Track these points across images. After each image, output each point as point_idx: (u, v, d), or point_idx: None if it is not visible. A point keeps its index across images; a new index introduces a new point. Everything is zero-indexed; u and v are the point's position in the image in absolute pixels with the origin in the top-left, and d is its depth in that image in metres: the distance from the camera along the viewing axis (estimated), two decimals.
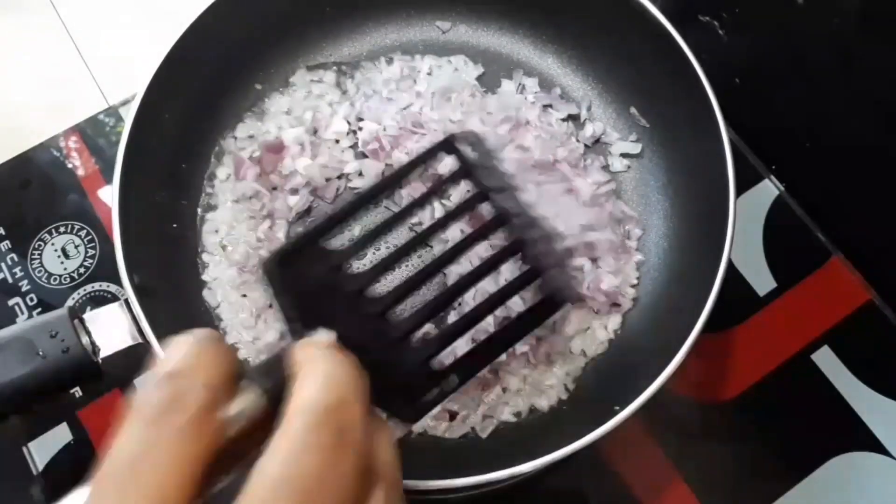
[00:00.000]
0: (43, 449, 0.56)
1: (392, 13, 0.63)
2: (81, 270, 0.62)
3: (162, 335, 0.45)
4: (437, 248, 0.53)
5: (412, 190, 0.55)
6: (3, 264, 0.63)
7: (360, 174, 0.58)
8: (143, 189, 0.53)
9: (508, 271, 0.49)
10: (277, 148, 0.58)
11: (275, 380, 0.26)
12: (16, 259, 0.63)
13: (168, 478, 0.22)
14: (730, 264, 0.48)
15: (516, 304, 0.49)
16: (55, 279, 0.62)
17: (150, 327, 0.45)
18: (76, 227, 0.64)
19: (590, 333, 0.54)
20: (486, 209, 0.35)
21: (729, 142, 0.50)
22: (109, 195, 0.63)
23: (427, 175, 0.55)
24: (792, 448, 0.57)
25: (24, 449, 0.56)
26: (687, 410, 0.58)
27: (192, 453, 0.23)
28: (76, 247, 0.63)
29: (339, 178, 0.58)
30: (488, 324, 0.48)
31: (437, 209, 0.54)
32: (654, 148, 0.59)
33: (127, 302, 0.46)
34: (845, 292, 0.61)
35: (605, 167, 0.59)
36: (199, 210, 0.58)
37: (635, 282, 0.55)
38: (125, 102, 0.70)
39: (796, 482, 0.55)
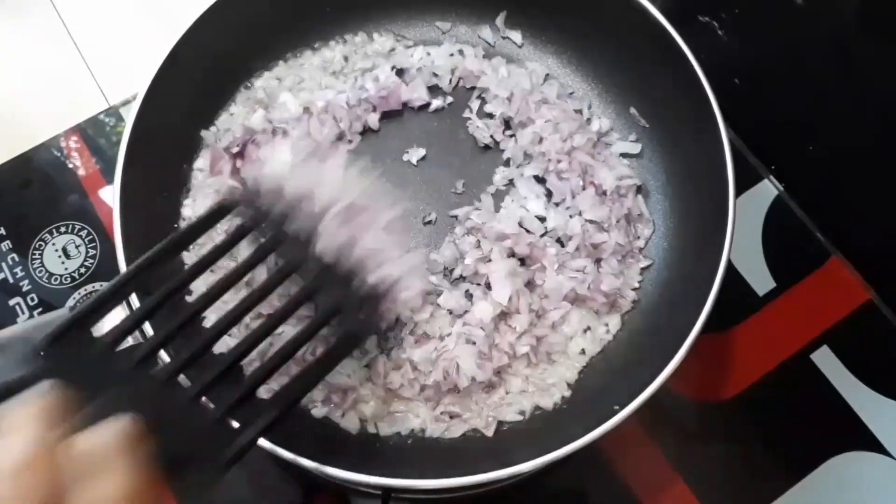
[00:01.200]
0: None
1: (392, 13, 0.64)
2: (82, 270, 0.63)
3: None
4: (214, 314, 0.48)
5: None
6: (3, 264, 0.63)
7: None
8: (143, 189, 0.53)
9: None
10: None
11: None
12: (17, 259, 0.63)
13: None
14: (729, 264, 0.48)
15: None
16: (56, 279, 0.62)
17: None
18: (77, 226, 0.64)
19: (590, 333, 0.54)
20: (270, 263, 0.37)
21: (728, 142, 0.50)
22: (110, 195, 0.63)
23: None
24: (791, 448, 0.57)
25: None
26: (687, 410, 0.58)
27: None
28: (77, 247, 0.63)
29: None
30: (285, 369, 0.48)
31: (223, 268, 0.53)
32: (653, 148, 0.59)
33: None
34: (845, 292, 0.61)
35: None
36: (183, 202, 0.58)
37: (636, 285, 0.55)
38: (125, 102, 0.70)
39: (796, 482, 0.55)
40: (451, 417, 0.51)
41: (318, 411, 0.51)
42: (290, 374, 0.40)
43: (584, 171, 0.56)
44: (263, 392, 0.35)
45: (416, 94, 0.60)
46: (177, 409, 0.32)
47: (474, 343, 0.51)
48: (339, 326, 0.36)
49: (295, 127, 0.58)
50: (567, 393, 0.52)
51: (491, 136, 0.59)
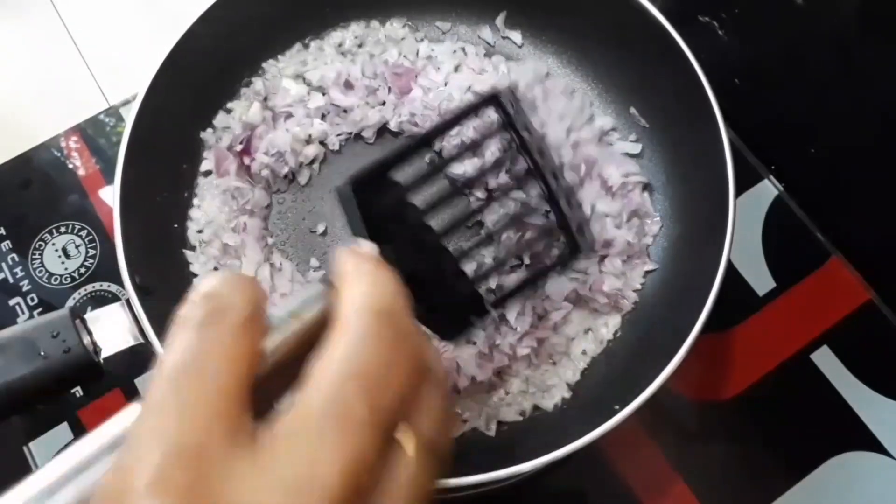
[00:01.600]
0: (43, 449, 0.56)
1: (391, 13, 0.64)
2: (82, 270, 0.63)
3: (163, 335, 0.45)
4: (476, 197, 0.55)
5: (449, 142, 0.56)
6: (3, 264, 0.63)
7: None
8: (144, 189, 0.53)
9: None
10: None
11: (320, 297, 0.27)
12: (17, 259, 0.63)
13: (224, 379, 0.22)
14: (729, 264, 0.48)
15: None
16: (56, 279, 0.62)
17: (151, 327, 0.45)
18: (77, 226, 0.64)
19: (591, 334, 0.54)
20: (521, 163, 0.37)
21: (729, 142, 0.51)
22: (110, 195, 0.63)
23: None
24: (791, 448, 0.57)
25: (25, 449, 0.57)
26: (687, 410, 0.58)
27: (245, 354, 0.23)
28: (77, 247, 0.63)
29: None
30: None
31: (474, 163, 0.55)
32: (653, 148, 0.59)
33: (128, 302, 0.46)
34: (844, 292, 0.61)
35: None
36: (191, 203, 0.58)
37: (639, 287, 0.55)
38: (125, 102, 0.70)
39: (795, 482, 0.55)
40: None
41: None
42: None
43: (590, 165, 0.56)
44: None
45: (430, 78, 0.60)
46: (434, 273, 0.34)
47: (475, 343, 0.51)
48: (572, 234, 0.37)
49: (298, 109, 0.58)
50: (567, 394, 0.52)
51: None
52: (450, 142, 0.56)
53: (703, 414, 0.58)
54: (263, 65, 0.61)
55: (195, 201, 0.57)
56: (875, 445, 0.56)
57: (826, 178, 0.63)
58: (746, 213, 0.63)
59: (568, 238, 0.37)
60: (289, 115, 0.58)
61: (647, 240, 0.56)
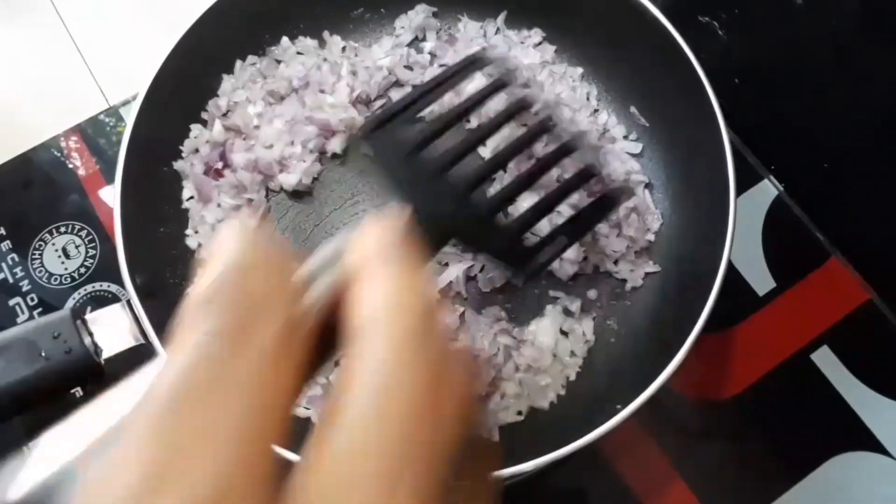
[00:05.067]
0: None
1: (389, 14, 0.64)
2: (82, 270, 0.63)
3: (164, 336, 0.45)
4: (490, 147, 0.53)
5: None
6: (3, 264, 0.63)
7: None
8: (144, 189, 0.53)
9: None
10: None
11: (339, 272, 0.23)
12: (16, 259, 0.63)
13: (251, 417, 0.17)
14: (729, 264, 0.48)
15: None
16: (56, 279, 0.62)
17: (151, 328, 0.45)
18: (77, 227, 0.64)
19: (570, 336, 0.54)
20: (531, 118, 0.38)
21: (729, 142, 0.50)
22: (110, 195, 0.63)
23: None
24: (791, 448, 0.57)
25: (25, 449, 0.56)
26: (687, 410, 0.58)
27: (289, 370, 0.19)
28: (77, 247, 0.63)
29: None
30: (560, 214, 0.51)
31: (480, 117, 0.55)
32: (653, 147, 0.59)
33: (129, 303, 0.46)
34: (844, 292, 0.61)
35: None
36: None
37: (640, 284, 0.55)
38: (126, 102, 0.70)
39: (796, 482, 0.55)
40: None
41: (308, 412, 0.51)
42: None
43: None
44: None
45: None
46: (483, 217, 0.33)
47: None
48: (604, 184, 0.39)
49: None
50: (563, 392, 0.52)
51: None
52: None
53: (703, 414, 0.58)
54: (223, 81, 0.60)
55: (188, 231, 0.56)
56: (875, 445, 0.56)
57: (826, 177, 0.63)
58: (746, 213, 0.63)
59: (605, 185, 0.37)
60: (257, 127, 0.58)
61: (650, 236, 0.56)
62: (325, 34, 0.62)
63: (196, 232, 0.56)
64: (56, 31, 0.89)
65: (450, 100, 0.53)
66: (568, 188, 0.36)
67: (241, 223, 0.21)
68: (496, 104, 0.42)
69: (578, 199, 0.50)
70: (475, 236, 0.32)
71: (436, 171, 0.32)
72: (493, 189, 0.37)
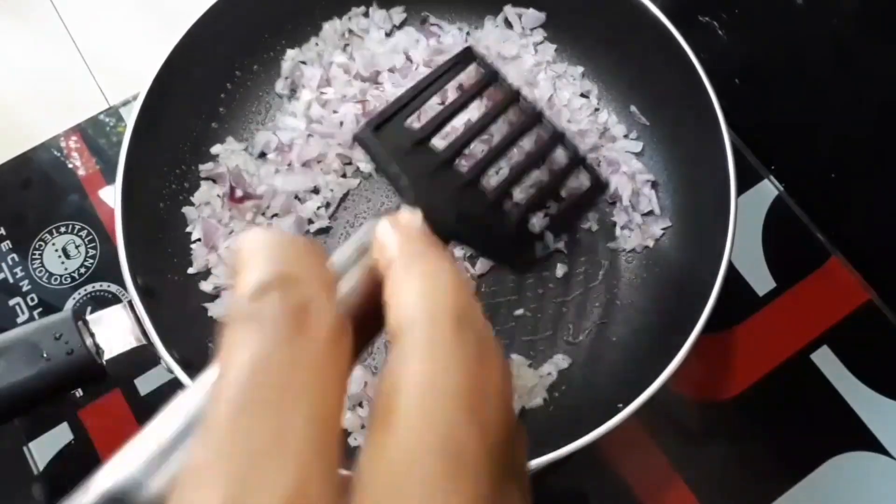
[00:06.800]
0: (43, 449, 0.56)
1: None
2: (82, 270, 0.63)
3: (165, 336, 0.45)
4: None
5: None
6: (3, 264, 0.63)
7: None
8: (144, 190, 0.53)
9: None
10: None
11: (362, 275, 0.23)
12: (16, 259, 0.63)
13: (323, 411, 0.18)
14: (729, 264, 0.48)
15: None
16: (56, 279, 0.62)
17: (153, 329, 0.45)
18: (77, 227, 0.64)
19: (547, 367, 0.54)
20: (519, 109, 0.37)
21: (730, 142, 0.51)
22: (110, 195, 0.63)
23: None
24: (791, 448, 0.57)
25: (25, 449, 0.56)
26: (687, 410, 0.58)
27: (343, 368, 0.19)
28: (77, 247, 0.63)
29: None
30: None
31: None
32: (654, 146, 0.59)
33: (130, 303, 0.46)
34: (845, 292, 0.61)
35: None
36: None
37: (640, 283, 0.55)
38: (126, 102, 0.70)
39: (796, 482, 0.55)
40: None
41: None
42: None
43: (597, 159, 0.57)
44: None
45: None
46: (482, 210, 0.33)
47: None
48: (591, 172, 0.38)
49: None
50: (552, 388, 0.52)
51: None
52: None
53: (703, 414, 0.58)
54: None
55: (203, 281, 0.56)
56: (875, 445, 0.56)
57: (826, 177, 0.63)
58: (746, 213, 0.63)
59: (590, 174, 0.37)
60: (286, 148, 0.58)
61: (654, 232, 0.56)
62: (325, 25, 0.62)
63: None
64: (56, 31, 0.89)
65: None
66: (544, 154, 0.37)
67: (269, 234, 0.21)
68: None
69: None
70: (478, 230, 0.32)
71: (440, 164, 0.32)
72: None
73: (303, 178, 0.57)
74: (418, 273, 0.21)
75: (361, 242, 0.24)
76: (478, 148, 0.52)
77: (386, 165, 0.31)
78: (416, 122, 0.34)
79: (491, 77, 0.37)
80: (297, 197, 0.57)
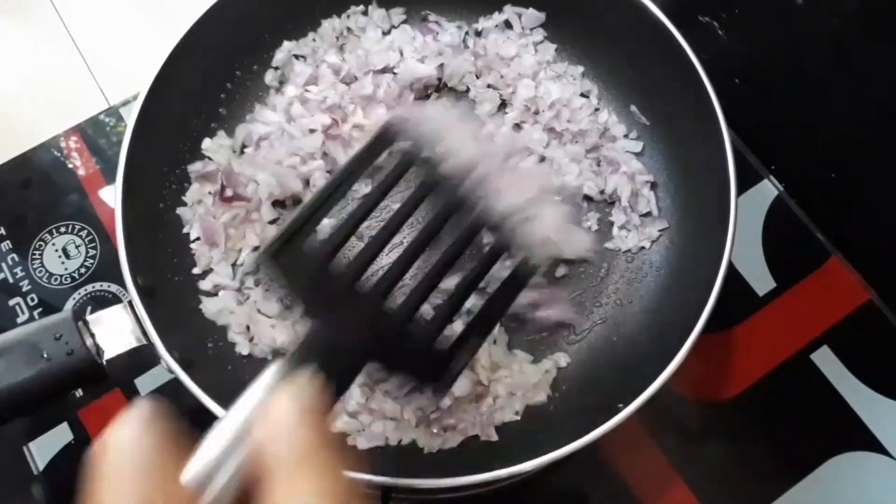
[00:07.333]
0: (43, 449, 0.56)
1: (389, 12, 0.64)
2: (82, 270, 0.63)
3: (165, 336, 0.45)
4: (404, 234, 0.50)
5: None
6: (3, 264, 0.63)
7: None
8: (144, 189, 0.53)
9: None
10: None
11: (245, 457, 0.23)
12: (17, 259, 0.63)
13: None
14: (729, 264, 0.48)
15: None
16: (56, 279, 0.62)
17: (153, 329, 0.45)
18: (77, 227, 0.64)
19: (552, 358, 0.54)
20: (436, 199, 0.36)
21: (730, 142, 0.51)
22: (110, 195, 0.63)
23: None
24: (791, 448, 0.57)
25: (25, 449, 0.57)
26: (687, 410, 0.58)
27: None
28: (77, 247, 0.63)
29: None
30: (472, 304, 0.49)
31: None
32: (654, 146, 0.59)
33: (130, 303, 0.46)
34: (844, 292, 0.61)
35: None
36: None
37: (639, 282, 0.55)
38: (126, 102, 0.70)
39: (796, 482, 0.55)
40: (446, 430, 0.50)
41: None
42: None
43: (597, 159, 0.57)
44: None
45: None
46: (395, 325, 0.32)
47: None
48: (514, 258, 0.37)
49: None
50: (557, 384, 0.52)
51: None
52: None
53: (703, 414, 0.58)
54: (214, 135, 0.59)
55: (203, 282, 0.55)
56: (875, 445, 0.56)
57: (826, 178, 0.63)
58: (746, 213, 0.63)
59: (520, 256, 0.36)
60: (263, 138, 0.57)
61: (651, 233, 0.56)
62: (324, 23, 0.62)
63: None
64: (56, 31, 0.89)
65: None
66: (480, 273, 0.35)
67: (135, 417, 0.21)
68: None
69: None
70: (391, 350, 0.31)
71: (346, 286, 0.31)
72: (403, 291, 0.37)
73: (273, 178, 0.56)
74: (303, 487, 0.20)
75: (240, 426, 0.24)
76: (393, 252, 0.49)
77: (289, 291, 0.31)
78: (327, 222, 0.33)
79: (411, 158, 0.36)
80: (282, 204, 0.57)
